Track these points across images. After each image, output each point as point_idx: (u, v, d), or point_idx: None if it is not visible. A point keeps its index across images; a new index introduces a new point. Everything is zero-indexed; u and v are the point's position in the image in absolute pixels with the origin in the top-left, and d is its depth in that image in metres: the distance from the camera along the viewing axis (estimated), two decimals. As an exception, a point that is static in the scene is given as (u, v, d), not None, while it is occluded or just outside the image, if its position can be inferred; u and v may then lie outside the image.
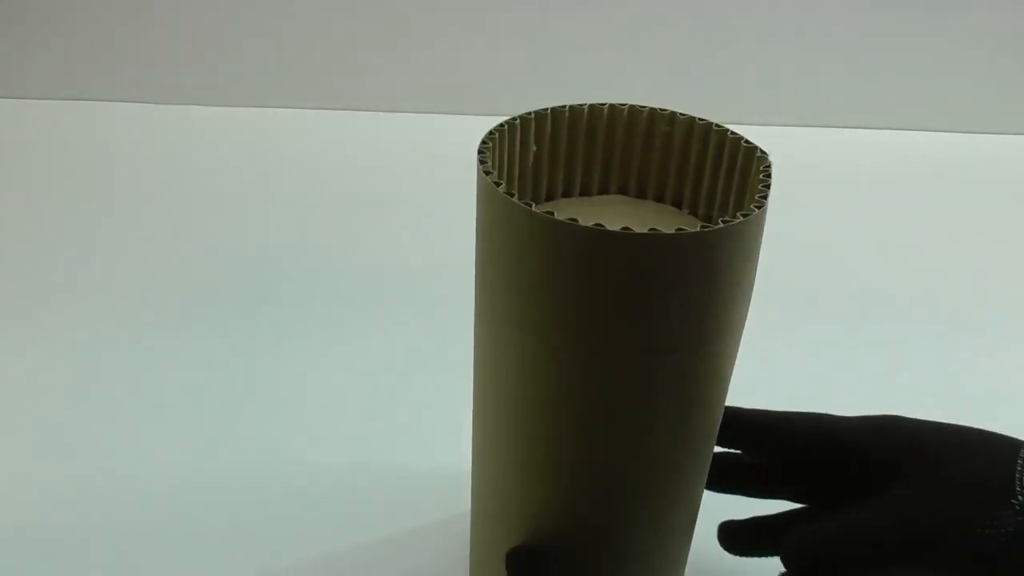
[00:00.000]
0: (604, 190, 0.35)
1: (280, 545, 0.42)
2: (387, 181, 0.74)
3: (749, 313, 0.30)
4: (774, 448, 0.35)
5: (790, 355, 0.56)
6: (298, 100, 0.82)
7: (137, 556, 0.41)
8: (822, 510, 0.33)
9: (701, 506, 0.36)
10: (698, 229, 0.25)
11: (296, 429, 0.49)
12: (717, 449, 0.35)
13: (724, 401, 0.32)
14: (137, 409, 0.50)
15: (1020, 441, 0.30)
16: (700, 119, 0.33)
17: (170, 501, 0.45)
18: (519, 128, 0.32)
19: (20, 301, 0.58)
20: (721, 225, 0.25)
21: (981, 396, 0.53)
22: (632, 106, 0.33)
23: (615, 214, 0.34)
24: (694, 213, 0.34)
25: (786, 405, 0.35)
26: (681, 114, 0.33)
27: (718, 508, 0.38)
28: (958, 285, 0.65)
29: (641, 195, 0.35)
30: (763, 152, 0.30)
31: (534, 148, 0.33)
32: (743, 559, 0.37)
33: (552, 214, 0.25)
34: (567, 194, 0.35)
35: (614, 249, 0.25)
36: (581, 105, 0.33)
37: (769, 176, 0.29)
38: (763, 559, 0.37)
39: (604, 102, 0.34)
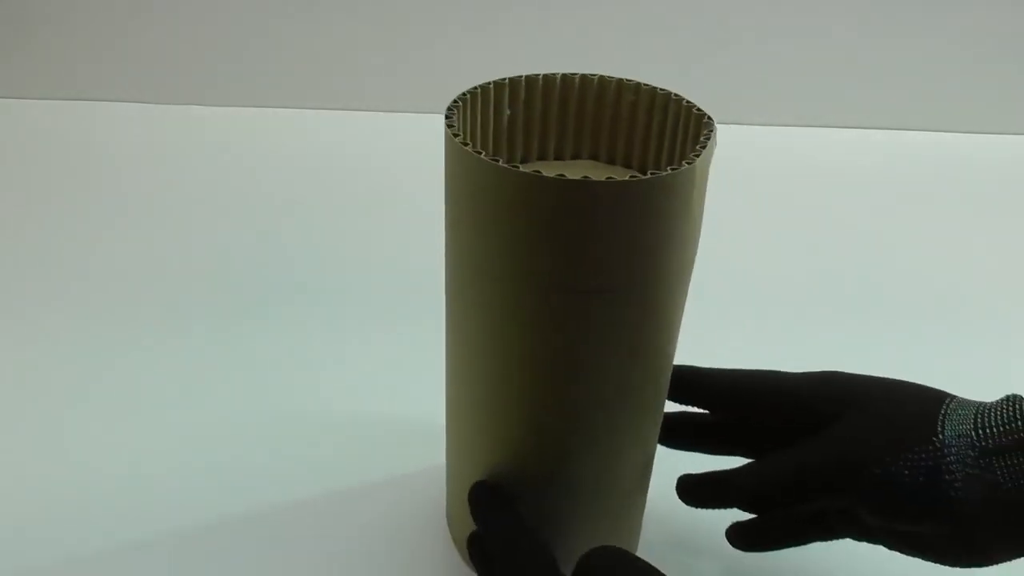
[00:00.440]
0: (576, 155, 0.38)
1: (263, 492, 0.45)
2: (386, 179, 0.75)
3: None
4: (726, 404, 0.37)
5: (787, 352, 0.58)
6: (297, 100, 0.84)
7: (112, 511, 0.44)
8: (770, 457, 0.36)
9: (656, 460, 0.39)
10: (626, 178, 0.28)
11: (281, 383, 0.52)
12: (672, 408, 0.38)
13: (670, 348, 0.34)
14: (139, 395, 0.52)
15: (949, 395, 0.33)
16: (661, 89, 0.35)
17: (148, 442, 0.48)
18: (492, 92, 0.35)
19: (20, 301, 0.59)
20: (648, 176, 0.28)
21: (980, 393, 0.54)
22: (602, 76, 0.36)
23: (579, 174, 0.37)
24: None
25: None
26: (645, 85, 0.36)
27: (676, 461, 0.40)
28: (958, 284, 0.65)
29: (611, 160, 0.38)
30: (709, 118, 0.33)
31: (508, 112, 0.36)
32: (698, 510, 0.40)
33: (479, 153, 0.28)
34: (542, 158, 0.38)
35: (550, 193, 0.28)
36: (554, 74, 0.36)
37: (708, 137, 0.31)
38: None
39: (576, 72, 0.36)
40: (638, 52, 0.83)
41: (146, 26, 0.82)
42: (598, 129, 0.37)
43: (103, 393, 0.51)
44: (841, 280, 0.65)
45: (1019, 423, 0.30)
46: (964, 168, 0.81)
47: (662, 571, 0.30)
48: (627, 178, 0.28)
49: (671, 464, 0.40)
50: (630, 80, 0.36)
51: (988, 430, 0.30)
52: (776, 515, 0.39)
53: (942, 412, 0.32)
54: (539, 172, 0.28)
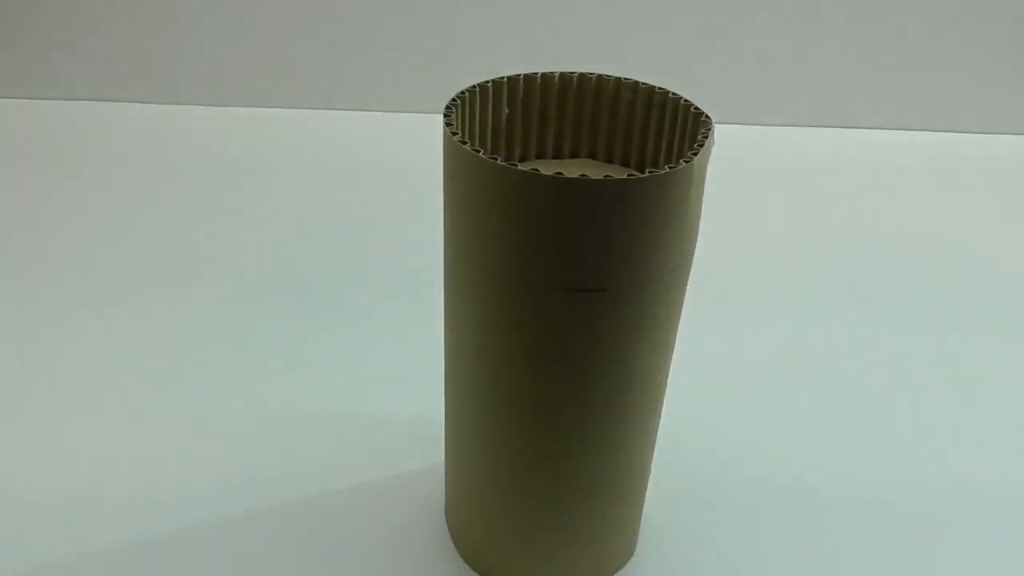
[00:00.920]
0: (575, 153, 0.38)
1: (259, 492, 0.45)
2: (387, 179, 0.76)
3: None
4: None
5: (784, 346, 0.58)
6: (292, 100, 0.85)
7: (104, 512, 0.44)
8: None
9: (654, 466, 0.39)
10: (624, 177, 0.28)
11: (278, 381, 0.52)
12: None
13: (666, 347, 0.34)
14: (140, 390, 0.54)
15: None
16: (659, 88, 0.35)
17: (142, 442, 0.48)
18: (491, 91, 0.35)
19: (13, 306, 0.59)
20: (646, 175, 0.28)
21: (986, 395, 0.55)
22: (600, 75, 0.36)
23: (577, 173, 0.37)
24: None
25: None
26: (644, 83, 0.36)
27: (676, 464, 0.40)
28: (962, 281, 0.65)
29: (609, 159, 0.38)
30: (707, 117, 0.33)
31: (506, 111, 0.36)
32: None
33: (477, 151, 0.28)
34: (540, 156, 0.38)
35: (547, 191, 0.28)
36: (552, 72, 0.36)
37: (707, 136, 0.31)
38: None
39: (575, 71, 0.36)
40: (638, 51, 0.83)
41: (145, 26, 0.82)
42: (596, 127, 0.37)
43: (92, 392, 0.51)
44: (843, 277, 0.65)
45: None
46: (967, 167, 0.81)
47: None
48: (625, 176, 0.27)
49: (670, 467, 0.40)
50: (628, 79, 0.36)
51: None
52: None
53: None
54: (537, 170, 0.28)
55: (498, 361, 0.33)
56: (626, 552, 0.41)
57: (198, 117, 0.83)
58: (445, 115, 0.32)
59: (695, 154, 0.29)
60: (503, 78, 0.35)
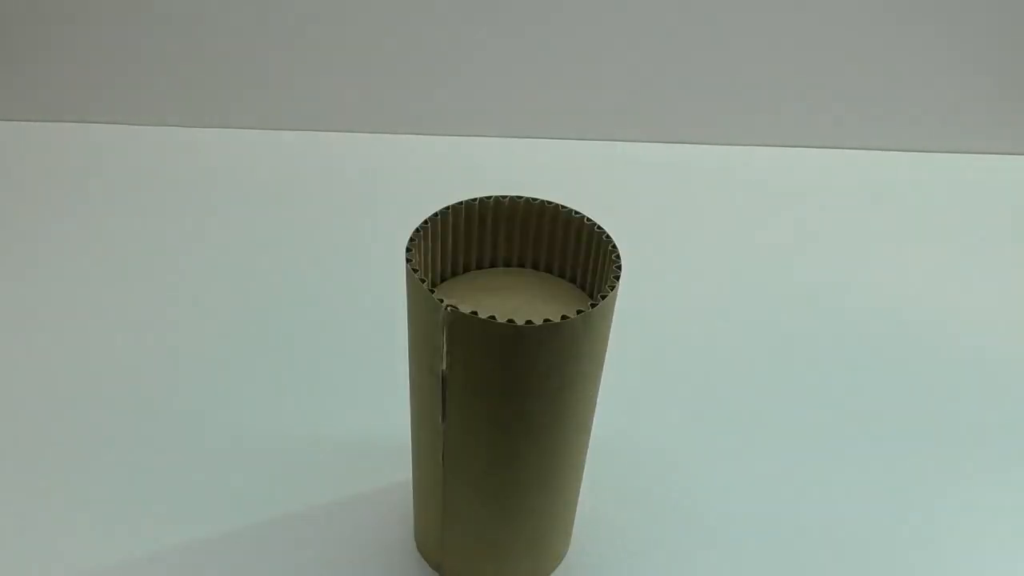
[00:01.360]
0: (522, 263, 0.48)
1: (229, 512, 0.53)
2: (364, 201, 0.83)
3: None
4: None
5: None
6: (281, 123, 0.91)
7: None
8: None
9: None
10: (533, 324, 0.37)
11: (249, 403, 0.60)
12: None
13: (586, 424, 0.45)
14: (131, 401, 0.62)
15: None
16: (563, 207, 0.45)
17: (118, 466, 0.55)
18: (439, 221, 0.44)
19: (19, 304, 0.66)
20: (557, 321, 0.37)
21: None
22: (527, 199, 0.45)
23: (505, 288, 0.46)
24: (580, 285, 0.46)
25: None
26: (548, 202, 0.45)
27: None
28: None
29: (548, 269, 0.47)
30: (608, 236, 0.42)
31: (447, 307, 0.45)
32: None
33: (432, 292, 0.38)
34: (493, 264, 0.48)
35: (476, 329, 0.38)
36: (488, 198, 0.45)
37: (619, 269, 0.40)
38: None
39: (506, 195, 0.45)
40: (617, 71, 0.90)
41: (149, 48, 0.87)
42: (524, 241, 0.47)
43: (70, 409, 0.59)
44: (761, 287, 0.75)
45: None
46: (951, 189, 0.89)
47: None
48: (524, 324, 0.37)
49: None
50: (548, 202, 0.45)
51: None
52: None
53: None
54: (476, 313, 0.37)
55: (434, 431, 0.43)
56: (561, 553, 0.53)
57: (186, 139, 0.89)
58: (407, 250, 0.41)
59: (611, 288, 0.39)
60: (447, 208, 0.44)
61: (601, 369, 0.43)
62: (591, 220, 0.44)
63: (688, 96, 0.92)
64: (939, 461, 0.60)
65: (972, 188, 0.89)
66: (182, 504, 0.54)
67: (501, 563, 0.49)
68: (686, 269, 0.77)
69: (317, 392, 0.62)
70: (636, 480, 0.57)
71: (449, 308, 0.37)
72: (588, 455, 0.48)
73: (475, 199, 0.45)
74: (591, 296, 0.45)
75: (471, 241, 0.46)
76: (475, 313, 0.37)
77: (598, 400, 0.45)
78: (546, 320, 0.37)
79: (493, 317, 0.37)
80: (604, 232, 0.43)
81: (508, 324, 0.37)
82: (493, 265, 0.48)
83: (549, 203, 0.45)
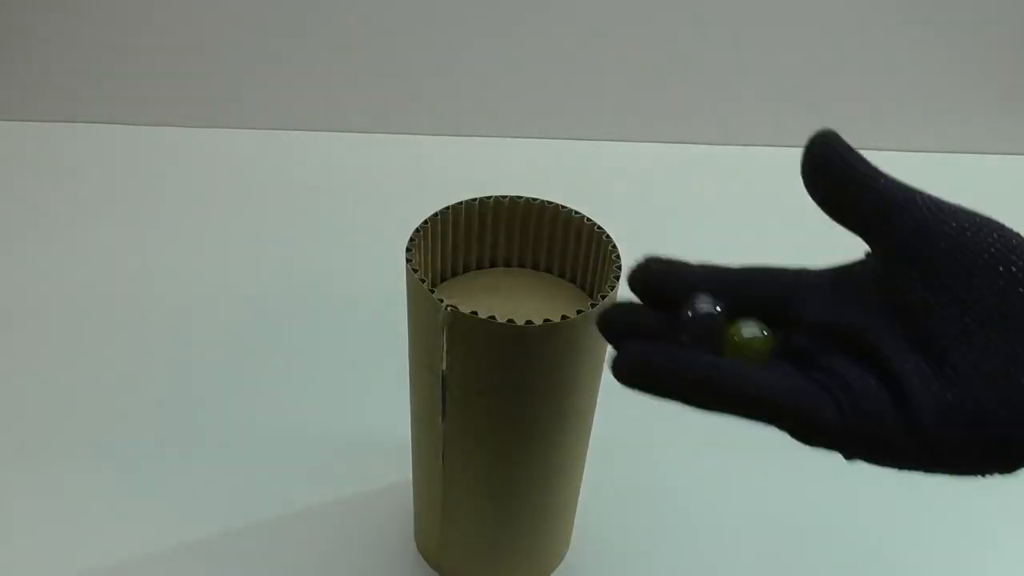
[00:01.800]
0: (522, 263, 0.48)
1: (230, 511, 0.53)
2: (362, 201, 0.83)
3: None
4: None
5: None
6: (279, 123, 0.91)
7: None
8: None
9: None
10: (533, 324, 0.37)
11: (248, 402, 0.61)
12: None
13: (574, 443, 0.45)
14: (130, 401, 0.62)
15: None
16: (563, 207, 0.45)
17: (131, 470, 0.56)
18: (439, 221, 0.44)
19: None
20: (557, 321, 0.37)
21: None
22: (527, 199, 0.45)
23: (505, 288, 0.46)
24: (580, 285, 0.46)
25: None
26: (548, 202, 0.45)
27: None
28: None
29: (548, 269, 0.47)
30: (608, 236, 0.42)
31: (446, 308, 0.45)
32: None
33: (432, 292, 0.38)
34: (493, 264, 0.48)
35: (476, 329, 0.38)
36: (488, 198, 0.45)
37: (619, 269, 0.40)
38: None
39: (506, 195, 0.45)
40: (611, 70, 0.90)
41: (149, 48, 0.87)
42: (525, 241, 0.47)
43: (72, 407, 0.59)
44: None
45: None
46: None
47: None
48: (524, 324, 0.37)
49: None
50: (548, 202, 0.45)
51: None
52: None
53: None
54: (476, 313, 0.37)
55: (435, 431, 0.43)
56: (561, 553, 0.53)
57: (178, 138, 0.89)
58: (407, 252, 0.41)
59: (611, 288, 0.39)
60: (447, 208, 0.44)
61: (601, 369, 0.43)
62: (591, 220, 0.44)
63: (688, 96, 0.92)
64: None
65: (972, 188, 0.88)
66: (182, 504, 0.54)
67: (501, 563, 0.49)
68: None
69: (317, 392, 0.62)
70: (636, 480, 0.58)
71: (449, 308, 0.37)
72: (588, 455, 0.48)
73: (475, 199, 0.45)
74: (591, 296, 0.45)
75: (471, 241, 0.46)
76: (475, 313, 0.37)
77: (598, 400, 0.45)
78: (546, 320, 0.37)
79: (493, 317, 0.37)
80: (604, 232, 0.43)
81: (508, 324, 0.37)
82: (493, 265, 0.48)
83: (549, 203, 0.45)
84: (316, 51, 0.88)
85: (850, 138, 0.31)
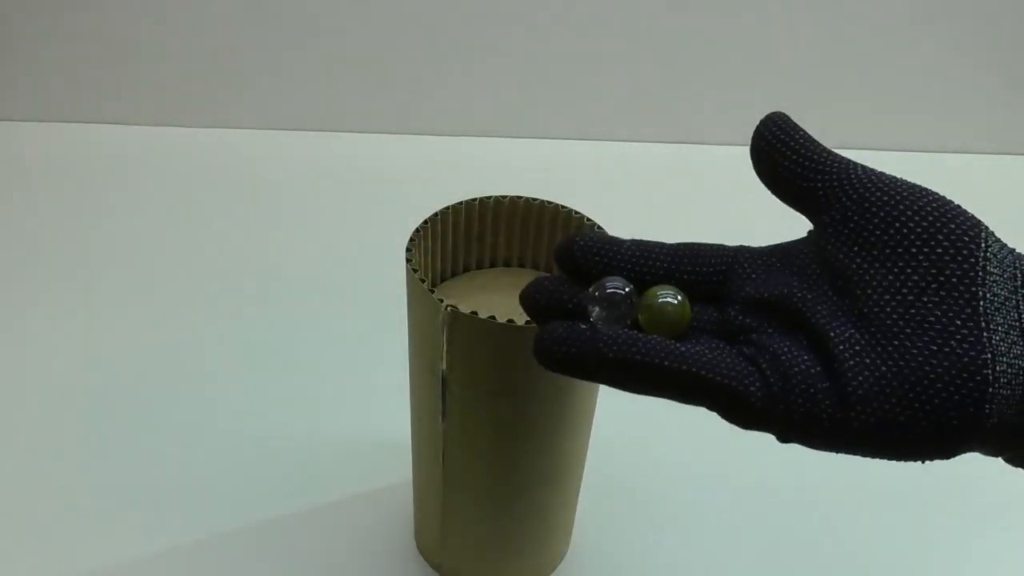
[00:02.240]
0: (522, 263, 0.48)
1: (232, 511, 0.53)
2: (362, 201, 0.83)
3: None
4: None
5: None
6: (279, 123, 0.91)
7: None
8: None
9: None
10: (533, 324, 0.37)
11: (250, 403, 0.61)
12: None
13: (570, 441, 0.44)
14: (134, 397, 0.62)
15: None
16: (563, 207, 0.44)
17: (125, 470, 0.56)
18: (439, 221, 0.44)
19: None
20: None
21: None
22: (527, 199, 0.45)
23: (505, 288, 0.46)
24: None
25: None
26: (548, 202, 0.45)
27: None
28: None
29: (548, 269, 0.47)
30: (599, 228, 0.42)
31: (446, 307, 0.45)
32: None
33: (432, 292, 0.38)
34: (493, 264, 0.48)
35: (476, 329, 0.37)
36: (488, 198, 0.45)
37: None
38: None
39: (506, 195, 0.45)
40: (611, 74, 0.90)
41: (149, 48, 0.87)
42: (536, 243, 0.47)
43: (75, 404, 0.59)
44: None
45: None
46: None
47: None
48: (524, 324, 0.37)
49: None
50: (548, 201, 0.45)
51: None
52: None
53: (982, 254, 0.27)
54: (475, 313, 0.37)
55: (436, 429, 0.43)
56: (561, 552, 0.53)
57: (179, 138, 0.89)
58: (407, 251, 0.41)
59: None
60: (458, 203, 0.44)
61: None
62: (591, 220, 0.44)
63: (688, 96, 0.92)
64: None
65: (972, 188, 0.88)
66: (182, 504, 0.54)
67: (501, 562, 0.49)
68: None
69: (317, 392, 0.62)
70: (636, 480, 0.57)
71: (449, 308, 0.37)
72: (588, 455, 0.48)
73: (475, 199, 0.45)
74: (591, 296, 0.45)
75: (471, 241, 0.46)
76: (475, 313, 0.37)
77: (598, 400, 0.45)
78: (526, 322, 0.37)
79: (493, 317, 0.37)
80: (584, 217, 0.43)
81: (508, 324, 0.37)
82: (493, 265, 0.48)
83: (549, 203, 0.45)
84: (316, 51, 0.88)
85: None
